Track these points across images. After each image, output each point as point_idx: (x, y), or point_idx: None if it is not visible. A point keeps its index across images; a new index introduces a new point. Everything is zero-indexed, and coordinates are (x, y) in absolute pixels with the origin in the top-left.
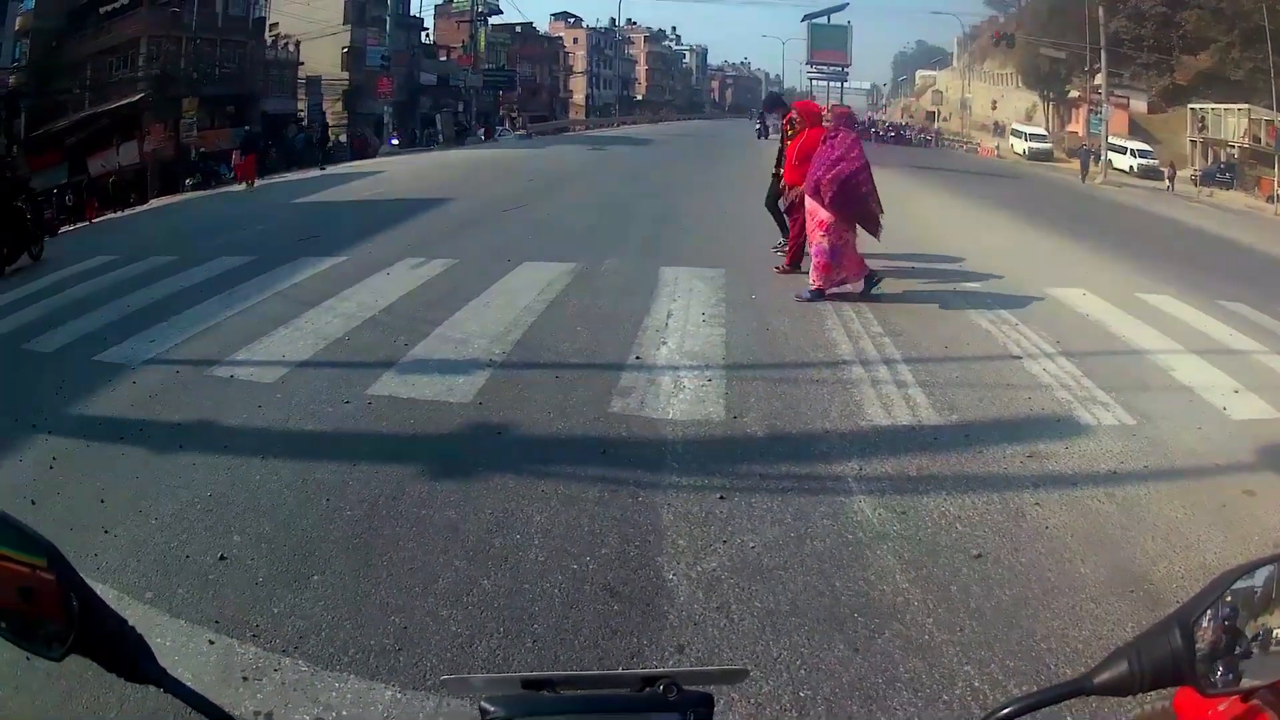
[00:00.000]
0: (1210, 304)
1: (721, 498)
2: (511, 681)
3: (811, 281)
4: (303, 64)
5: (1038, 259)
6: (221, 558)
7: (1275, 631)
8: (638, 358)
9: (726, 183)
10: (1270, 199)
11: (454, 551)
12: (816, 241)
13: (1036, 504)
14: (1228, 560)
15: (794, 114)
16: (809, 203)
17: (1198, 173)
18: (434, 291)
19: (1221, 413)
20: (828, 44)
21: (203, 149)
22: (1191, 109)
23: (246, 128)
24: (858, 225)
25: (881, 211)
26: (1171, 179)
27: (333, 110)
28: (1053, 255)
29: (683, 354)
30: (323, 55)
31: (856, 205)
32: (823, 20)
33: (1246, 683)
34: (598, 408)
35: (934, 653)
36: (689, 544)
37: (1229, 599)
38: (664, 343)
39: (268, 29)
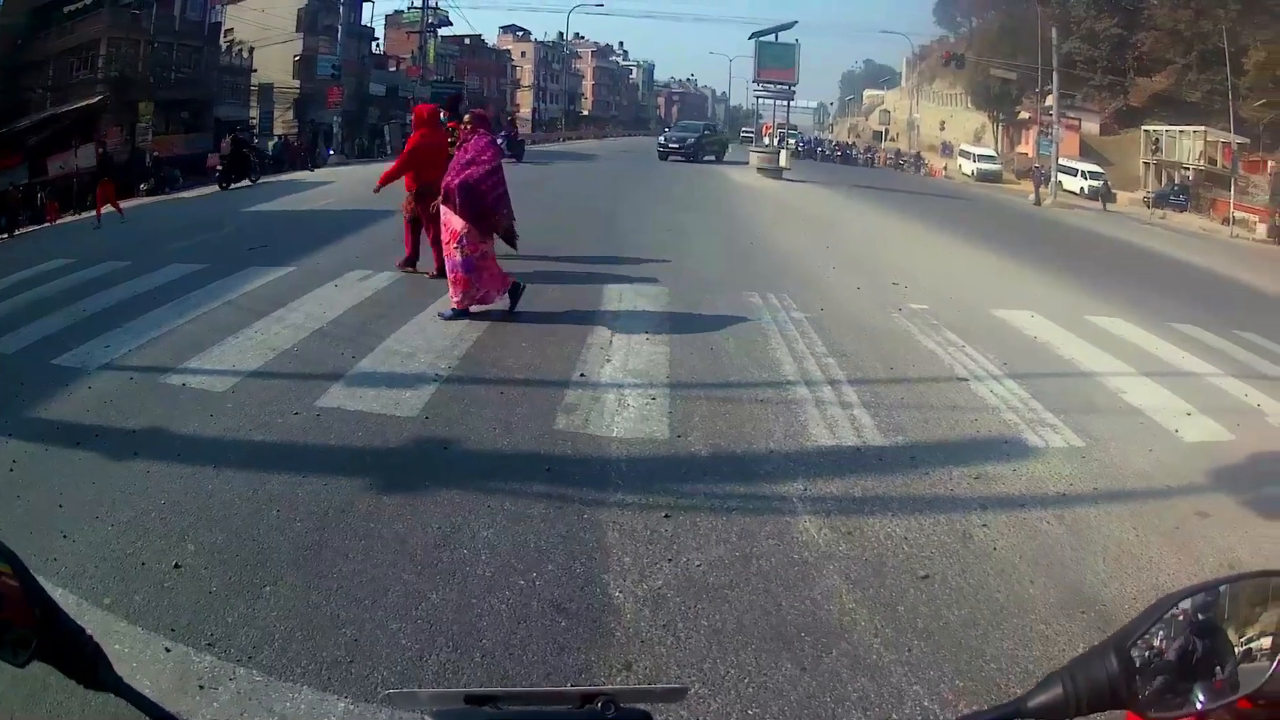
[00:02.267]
0: (1161, 326)
1: (666, 516)
2: (456, 696)
3: (452, 299)
4: (255, 71)
5: (986, 280)
6: (176, 566)
7: (1215, 657)
8: (582, 375)
9: (669, 197)
10: (1226, 221)
11: (402, 565)
12: (450, 255)
13: (984, 525)
14: (1181, 581)
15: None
16: (443, 212)
17: (1150, 194)
18: (380, 304)
19: (1173, 435)
20: (775, 62)
21: (157, 154)
22: (1145, 131)
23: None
24: (497, 237)
25: (513, 219)
26: (1105, 197)
27: (283, 119)
28: (1001, 277)
29: (626, 372)
30: (275, 63)
31: (484, 212)
32: (770, 39)
33: (1186, 708)
34: (542, 424)
35: (882, 672)
36: (634, 562)
37: (1171, 623)
38: (608, 360)
39: (223, 35)
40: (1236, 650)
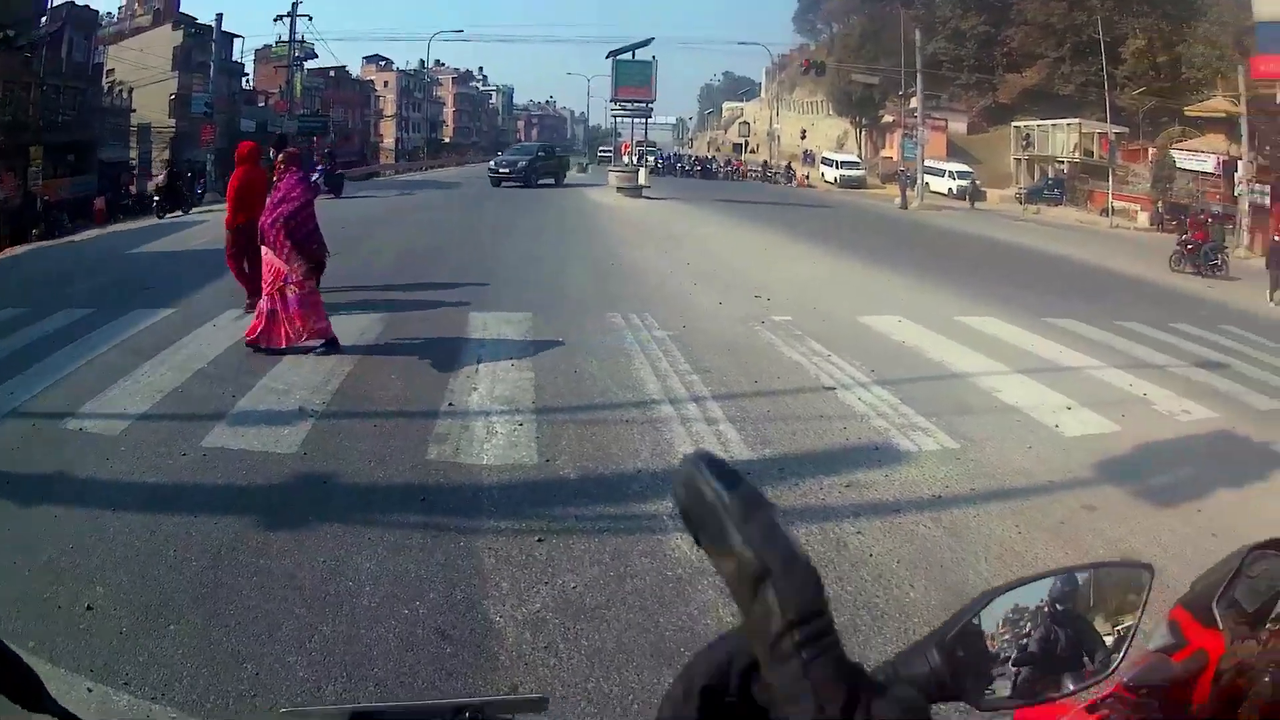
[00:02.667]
0: (1036, 322)
1: (540, 540)
2: (343, 713)
3: (293, 335)
4: (135, 111)
5: (851, 288)
6: (89, 608)
7: (1079, 644)
8: (450, 404)
9: (530, 221)
10: (1104, 212)
11: (293, 599)
12: (274, 297)
13: (858, 532)
14: None
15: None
16: (265, 253)
17: (1022, 190)
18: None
19: (1054, 430)
20: (632, 80)
21: (46, 197)
22: (1015, 127)
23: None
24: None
25: (328, 254)
26: (973, 196)
27: (160, 159)
28: (867, 284)
29: (493, 399)
30: (153, 103)
31: (299, 247)
32: (627, 57)
33: (1016, 700)
34: (415, 455)
35: None
36: (512, 586)
37: (1003, 615)
38: (475, 388)
39: (105, 76)
40: (1105, 638)
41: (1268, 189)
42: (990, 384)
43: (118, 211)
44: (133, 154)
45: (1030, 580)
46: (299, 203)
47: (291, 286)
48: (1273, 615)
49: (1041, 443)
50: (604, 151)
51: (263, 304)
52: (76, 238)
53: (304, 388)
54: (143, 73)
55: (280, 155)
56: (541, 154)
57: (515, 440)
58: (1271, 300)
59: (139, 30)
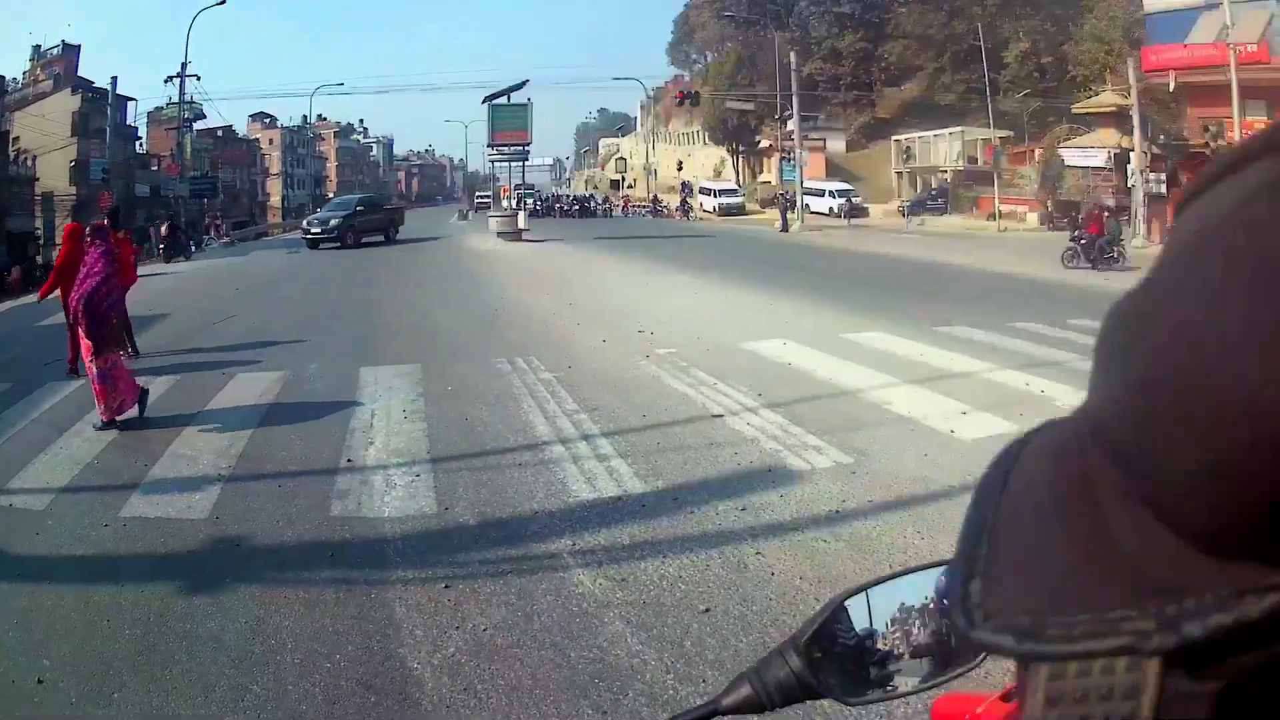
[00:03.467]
0: (925, 332)
1: (446, 586)
2: None
3: (99, 414)
4: (38, 180)
5: (735, 316)
6: (40, 680)
7: (937, 638)
8: (349, 460)
9: (412, 273)
10: (991, 217)
11: (222, 661)
12: (90, 370)
13: (758, 553)
14: None
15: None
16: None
17: (905, 203)
18: (162, 408)
19: (949, 436)
20: (509, 124)
21: None
22: (895, 141)
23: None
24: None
25: (129, 329)
26: (848, 214)
27: (60, 227)
28: (751, 310)
29: (390, 452)
30: (54, 170)
31: (100, 322)
32: (503, 101)
33: (879, 694)
34: (320, 513)
35: (681, 705)
36: (425, 633)
37: (889, 613)
38: (371, 443)
39: (10, 144)
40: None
41: (1163, 176)
42: (881, 397)
43: (32, 283)
44: (38, 223)
45: (885, 579)
46: (100, 277)
47: (97, 362)
48: None
49: (938, 449)
50: (481, 197)
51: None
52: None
53: (210, 452)
54: (45, 139)
55: (89, 228)
56: (361, 208)
57: (414, 491)
58: None
59: (41, 96)
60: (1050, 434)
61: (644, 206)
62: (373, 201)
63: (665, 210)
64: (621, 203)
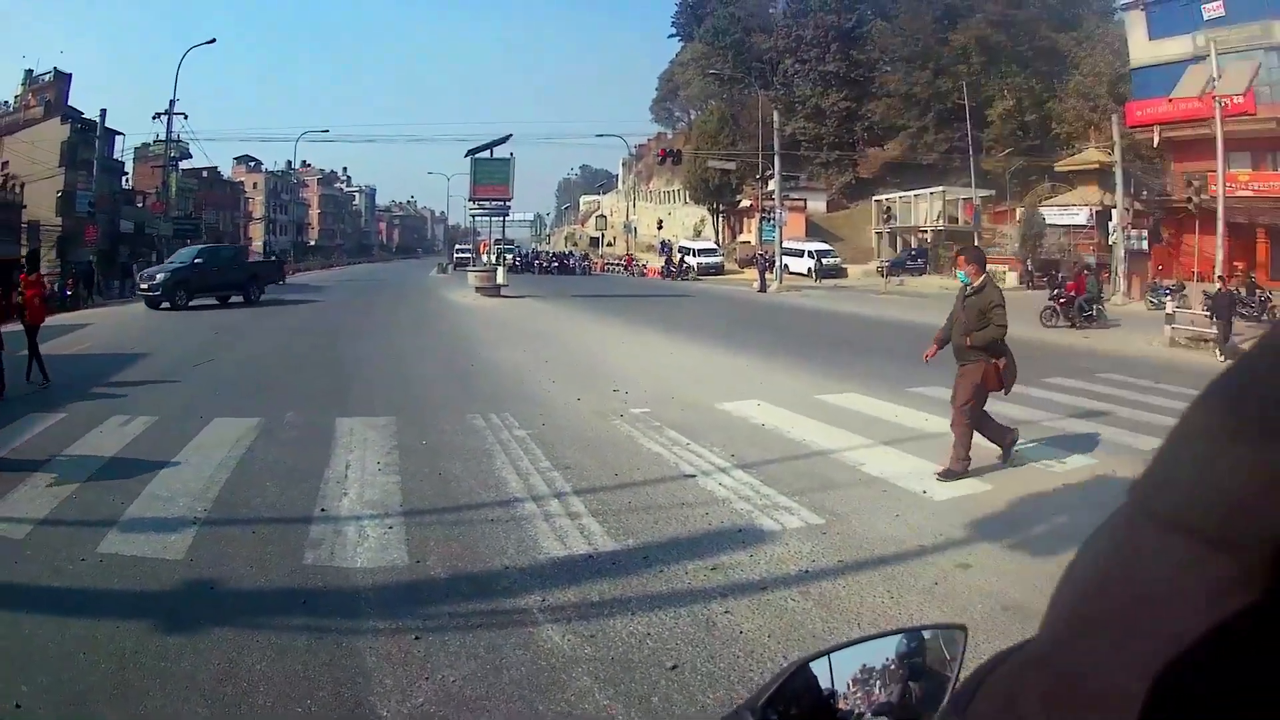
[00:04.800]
0: (898, 392)
1: (417, 638)
2: None
3: None
4: (25, 207)
5: (709, 376)
6: (18, 706)
7: (901, 700)
8: (323, 510)
9: (391, 326)
10: None
11: (195, 700)
12: None
13: (726, 612)
14: None
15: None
16: None
17: (885, 263)
18: (141, 449)
19: (921, 496)
20: (490, 179)
21: None
22: (876, 200)
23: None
24: None
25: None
26: (820, 273)
27: (48, 258)
28: (725, 370)
29: (363, 503)
30: (41, 199)
31: None
32: (486, 155)
33: None
34: (293, 560)
35: None
36: (395, 683)
37: (851, 674)
38: (345, 493)
39: (1, 168)
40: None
41: (1144, 233)
42: (854, 458)
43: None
44: (23, 250)
45: (848, 644)
46: None
47: None
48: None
49: (909, 510)
50: (461, 251)
51: None
52: None
53: (186, 495)
54: (34, 167)
55: None
56: (200, 260)
57: (386, 543)
58: (1220, 355)
59: (31, 122)
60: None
61: (618, 266)
62: (220, 253)
63: (643, 269)
64: (598, 262)
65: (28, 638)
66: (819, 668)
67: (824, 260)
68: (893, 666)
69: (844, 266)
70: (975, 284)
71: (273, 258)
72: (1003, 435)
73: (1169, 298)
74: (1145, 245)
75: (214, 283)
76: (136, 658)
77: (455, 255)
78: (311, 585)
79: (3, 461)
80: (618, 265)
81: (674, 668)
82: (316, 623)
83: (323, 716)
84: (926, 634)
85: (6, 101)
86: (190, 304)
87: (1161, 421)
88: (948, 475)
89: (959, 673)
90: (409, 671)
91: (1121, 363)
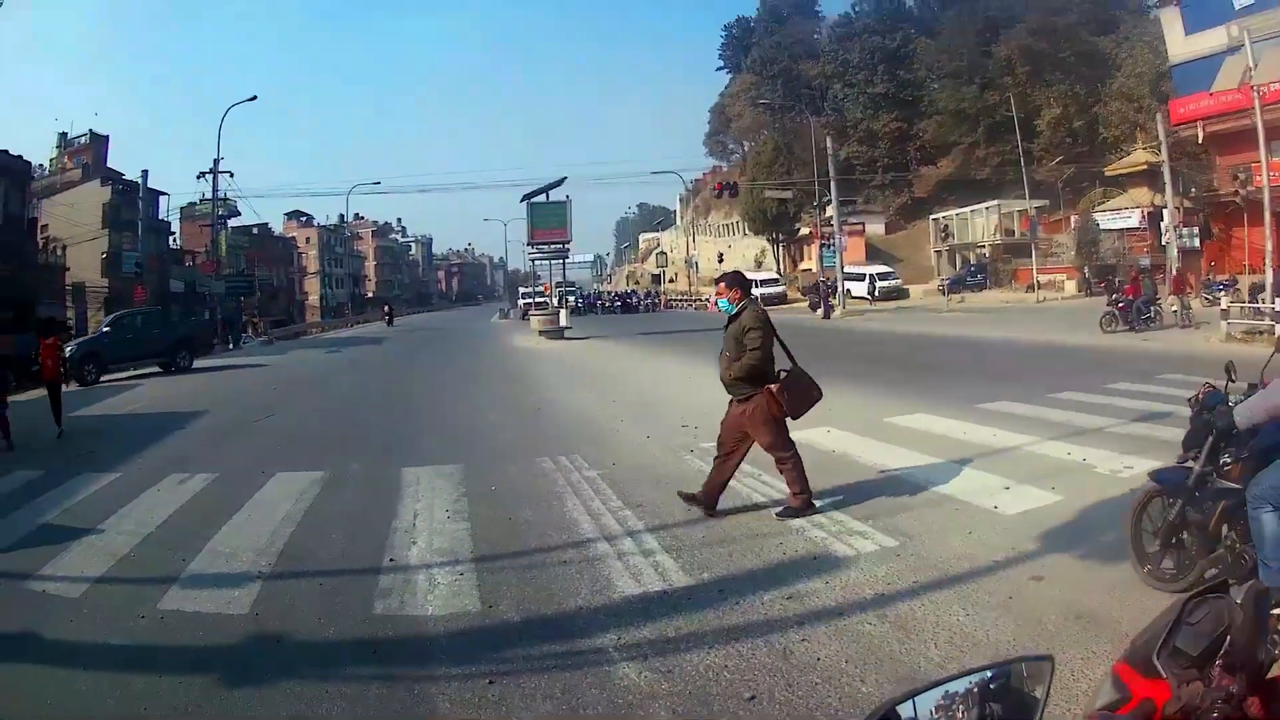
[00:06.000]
0: (968, 410)
1: (491, 682)
2: None
3: None
4: (69, 269)
5: None
6: None
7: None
8: (391, 559)
9: (455, 375)
10: (1030, 288)
11: None
12: None
13: (804, 640)
14: (1024, 645)
15: None
16: None
17: (945, 281)
18: (201, 506)
19: (993, 512)
20: (547, 222)
21: None
22: (934, 219)
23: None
24: None
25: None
26: (874, 294)
27: (95, 319)
28: None
29: (433, 551)
30: (85, 260)
31: None
32: (542, 199)
33: None
34: (363, 611)
35: None
36: None
37: (932, 705)
38: (414, 542)
39: (39, 231)
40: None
41: (1195, 230)
42: (924, 478)
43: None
44: (69, 313)
45: (931, 686)
46: None
47: None
48: (1220, 653)
49: (981, 526)
50: (528, 296)
51: None
52: (22, 396)
53: (249, 550)
54: (75, 229)
55: None
56: (109, 329)
57: (458, 590)
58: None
59: (70, 184)
60: None
61: (683, 302)
62: (135, 320)
63: (706, 302)
64: (649, 298)
65: (83, 695)
66: (906, 710)
67: (881, 282)
68: (978, 702)
69: (905, 287)
70: (736, 310)
71: (204, 316)
72: (715, 493)
73: (1223, 293)
74: (1197, 242)
75: (130, 353)
76: (200, 712)
77: (522, 301)
78: (382, 635)
79: (52, 525)
80: (683, 301)
81: (752, 698)
82: (388, 672)
83: None
84: (1011, 667)
85: (42, 165)
86: (102, 380)
87: None
88: (786, 513)
89: (1045, 702)
90: (483, 716)
91: (1184, 361)
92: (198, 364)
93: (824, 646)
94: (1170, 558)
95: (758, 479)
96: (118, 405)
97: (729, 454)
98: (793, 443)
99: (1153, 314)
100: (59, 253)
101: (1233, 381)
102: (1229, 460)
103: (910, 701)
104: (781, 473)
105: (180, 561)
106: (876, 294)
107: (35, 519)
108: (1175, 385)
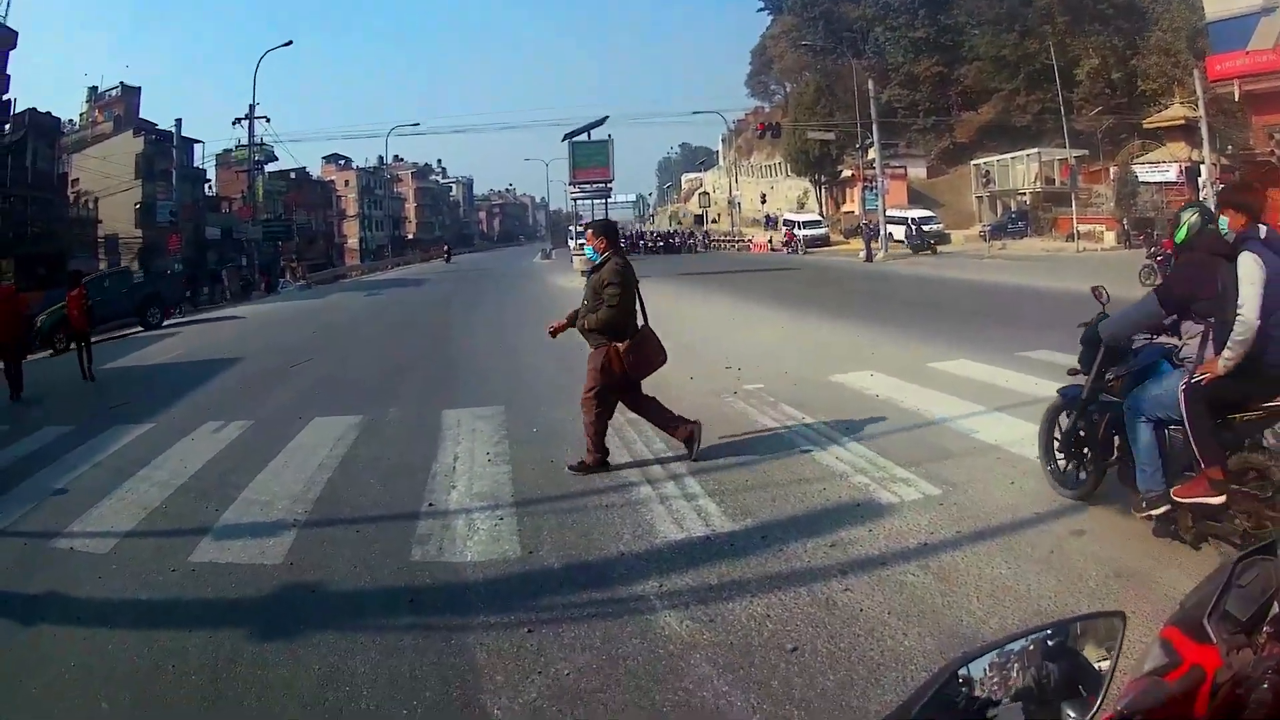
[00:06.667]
0: (1009, 358)
1: (529, 631)
2: None
3: None
4: (101, 222)
5: (821, 349)
6: None
7: (1039, 683)
8: (430, 505)
9: (497, 312)
10: (1070, 238)
11: (293, 709)
12: None
13: (846, 590)
14: (1064, 602)
15: None
16: None
17: (986, 227)
18: (235, 454)
19: (1036, 463)
20: (590, 161)
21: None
22: (975, 165)
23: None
24: None
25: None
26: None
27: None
28: (836, 342)
29: (472, 496)
30: (118, 212)
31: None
32: (583, 138)
33: None
34: (400, 558)
35: None
36: (506, 679)
37: (986, 666)
38: (454, 487)
39: (70, 185)
40: (1101, 673)
41: None
42: (968, 426)
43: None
44: (101, 265)
45: (991, 647)
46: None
47: None
48: (1268, 619)
49: (1024, 477)
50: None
51: None
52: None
53: (285, 498)
54: (106, 182)
55: None
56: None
57: (497, 535)
58: None
59: (100, 138)
60: None
61: (726, 243)
62: (100, 284)
63: (748, 243)
64: (691, 238)
65: (110, 654)
66: (973, 669)
67: (923, 227)
68: (1032, 647)
69: (947, 232)
70: (600, 260)
71: (175, 270)
72: (674, 426)
73: None
74: None
75: (99, 315)
76: (231, 667)
77: (574, 243)
78: (419, 582)
79: (82, 480)
80: (726, 242)
81: (794, 650)
82: (424, 621)
83: (430, 717)
84: (1079, 625)
85: (72, 120)
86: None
87: None
88: (580, 468)
89: (1117, 658)
90: (521, 666)
91: None
92: (239, 308)
93: (867, 597)
94: (1071, 462)
95: (801, 422)
96: (154, 354)
97: (613, 405)
98: (607, 403)
99: None
100: (90, 206)
101: (1103, 304)
102: (1112, 378)
103: (967, 667)
104: (583, 425)
105: (214, 512)
106: (915, 243)
107: (64, 475)
108: None
